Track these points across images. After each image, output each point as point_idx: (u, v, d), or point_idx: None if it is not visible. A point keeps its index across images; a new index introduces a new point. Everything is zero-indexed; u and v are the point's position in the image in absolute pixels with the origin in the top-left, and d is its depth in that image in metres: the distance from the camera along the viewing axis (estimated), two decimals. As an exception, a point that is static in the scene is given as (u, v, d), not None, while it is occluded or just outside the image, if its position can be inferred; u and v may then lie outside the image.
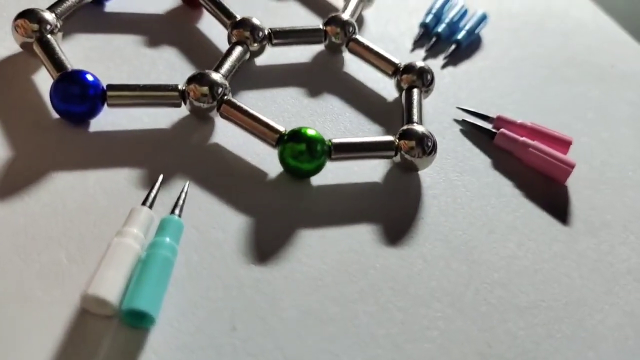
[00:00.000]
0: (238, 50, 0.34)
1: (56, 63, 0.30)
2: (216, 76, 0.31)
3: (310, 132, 0.29)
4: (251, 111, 0.30)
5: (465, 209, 0.31)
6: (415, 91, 0.34)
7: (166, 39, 0.36)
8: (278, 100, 0.34)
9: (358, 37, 0.37)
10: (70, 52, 0.33)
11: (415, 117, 0.32)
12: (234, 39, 0.35)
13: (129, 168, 0.29)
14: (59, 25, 0.33)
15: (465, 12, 0.44)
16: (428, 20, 0.42)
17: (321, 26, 0.37)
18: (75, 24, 0.35)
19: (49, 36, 0.31)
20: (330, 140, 0.30)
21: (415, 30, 0.42)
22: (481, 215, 0.31)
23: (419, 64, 0.35)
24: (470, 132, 0.35)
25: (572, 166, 0.33)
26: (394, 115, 0.35)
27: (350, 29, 0.37)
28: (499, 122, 0.35)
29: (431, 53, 0.41)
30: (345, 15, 0.38)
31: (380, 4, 0.43)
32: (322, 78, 0.37)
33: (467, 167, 0.33)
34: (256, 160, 0.31)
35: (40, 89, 0.31)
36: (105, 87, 0.30)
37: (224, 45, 0.36)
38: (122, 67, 0.34)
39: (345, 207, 0.30)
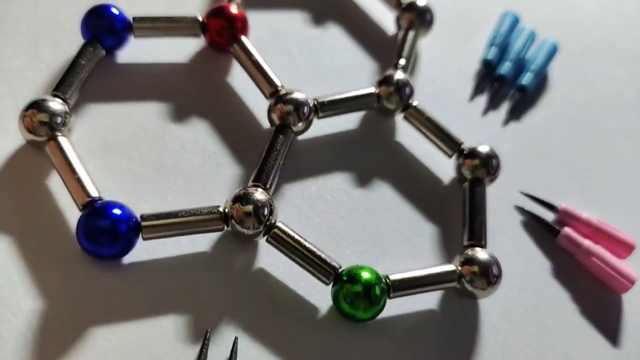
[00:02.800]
0: (281, 142, 0.29)
1: (77, 185, 0.26)
2: (261, 196, 0.27)
3: (366, 275, 0.27)
4: (304, 242, 0.27)
5: (523, 338, 0.29)
6: (479, 193, 0.30)
7: (194, 106, 0.31)
8: (326, 194, 0.30)
9: (416, 104, 0.32)
10: (85, 143, 0.29)
11: (480, 233, 0.29)
12: (275, 118, 0.30)
13: (174, 314, 0.26)
14: (69, 109, 0.28)
15: (533, 39, 0.38)
16: (490, 56, 0.36)
17: (374, 89, 0.32)
18: (86, 89, 0.30)
19: (62, 139, 0.27)
20: (387, 278, 0.27)
21: (477, 61, 0.37)
22: (537, 345, 0.29)
23: (485, 149, 0.31)
24: (532, 223, 0.32)
25: (632, 282, 0.31)
26: (452, 206, 0.32)
27: (407, 90, 0.32)
28: (563, 215, 0.32)
29: (493, 103, 0.36)
30: (399, 74, 0.32)
31: (438, 27, 0.36)
32: (372, 154, 0.32)
33: (527, 276, 0.31)
34: (305, 290, 0.28)
35: (58, 200, 0.27)
36: (139, 219, 0.26)
37: (260, 109, 0.32)
38: (148, 160, 0.29)
39: (406, 350, 0.28)
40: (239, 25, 0.32)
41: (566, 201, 0.33)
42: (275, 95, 0.30)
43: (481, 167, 0.31)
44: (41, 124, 0.27)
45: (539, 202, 0.33)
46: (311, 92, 0.32)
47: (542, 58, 0.37)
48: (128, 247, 0.26)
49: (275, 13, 0.36)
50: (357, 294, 0.27)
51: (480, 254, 0.29)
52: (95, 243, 0.25)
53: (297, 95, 0.30)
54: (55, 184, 0.27)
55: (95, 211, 0.25)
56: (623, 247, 0.32)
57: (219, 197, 0.29)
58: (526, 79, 0.36)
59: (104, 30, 0.30)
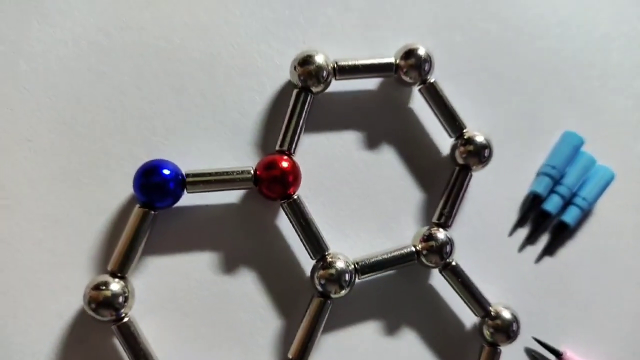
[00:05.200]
0: (317, 314, 0.31)
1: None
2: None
3: None
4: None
5: None
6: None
7: (244, 255, 0.33)
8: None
9: (455, 264, 0.33)
10: (144, 299, 0.31)
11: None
12: (318, 284, 0.31)
13: None
14: (128, 288, 0.30)
15: (591, 167, 0.36)
16: (540, 189, 0.35)
17: (412, 248, 0.33)
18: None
19: (125, 323, 0.29)
20: None
21: (529, 183, 0.36)
22: None
23: (508, 315, 0.33)
24: (537, 365, 0.36)
25: None
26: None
27: (447, 249, 0.33)
28: (567, 363, 0.36)
29: (532, 239, 0.36)
30: (441, 234, 0.33)
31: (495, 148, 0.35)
32: (405, 304, 0.34)
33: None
34: None
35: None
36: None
37: (304, 260, 0.33)
38: (200, 314, 0.32)
39: None
40: (289, 179, 0.31)
41: (581, 340, 0.36)
42: (320, 260, 0.32)
43: (500, 333, 0.33)
44: (103, 307, 0.29)
45: (547, 349, 0.36)
46: (354, 234, 0.34)
47: (593, 193, 0.36)
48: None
49: (332, 134, 0.34)
50: None
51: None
52: None
53: (340, 264, 0.31)
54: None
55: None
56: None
57: (262, 353, 0.32)
58: (571, 215, 0.36)
59: (157, 194, 0.30)
